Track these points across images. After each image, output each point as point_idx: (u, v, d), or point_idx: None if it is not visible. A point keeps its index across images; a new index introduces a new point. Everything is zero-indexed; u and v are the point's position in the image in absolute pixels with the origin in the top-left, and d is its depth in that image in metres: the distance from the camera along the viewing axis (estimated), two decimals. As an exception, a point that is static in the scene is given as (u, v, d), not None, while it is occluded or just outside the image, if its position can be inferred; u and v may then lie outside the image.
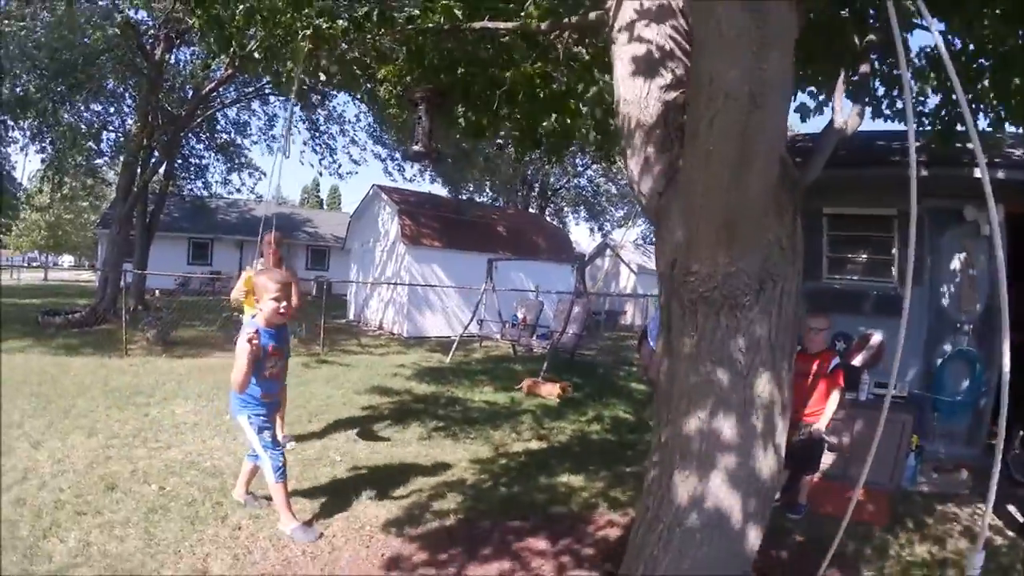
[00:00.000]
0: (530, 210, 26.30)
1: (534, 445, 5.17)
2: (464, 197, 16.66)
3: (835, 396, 3.66)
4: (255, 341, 2.85)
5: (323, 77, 4.55)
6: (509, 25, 3.18)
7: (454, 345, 10.54)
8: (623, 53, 1.88)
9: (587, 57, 3.41)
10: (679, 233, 1.64)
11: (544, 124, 4.37)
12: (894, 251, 5.16)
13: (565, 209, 31.42)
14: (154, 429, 4.72)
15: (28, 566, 2.64)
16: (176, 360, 7.97)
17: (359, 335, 13.03)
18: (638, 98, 1.80)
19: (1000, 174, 4.33)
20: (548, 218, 26.97)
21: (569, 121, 4.02)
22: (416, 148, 4.45)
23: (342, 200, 52.57)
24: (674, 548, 1.68)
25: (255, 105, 16.18)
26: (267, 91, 14.88)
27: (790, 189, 1.66)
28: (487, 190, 24.65)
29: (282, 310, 2.99)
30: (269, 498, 3.41)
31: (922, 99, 3.58)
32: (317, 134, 15.78)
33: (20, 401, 5.16)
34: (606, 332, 15.92)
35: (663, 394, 1.81)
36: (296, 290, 3.70)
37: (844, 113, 2.08)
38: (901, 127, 5.59)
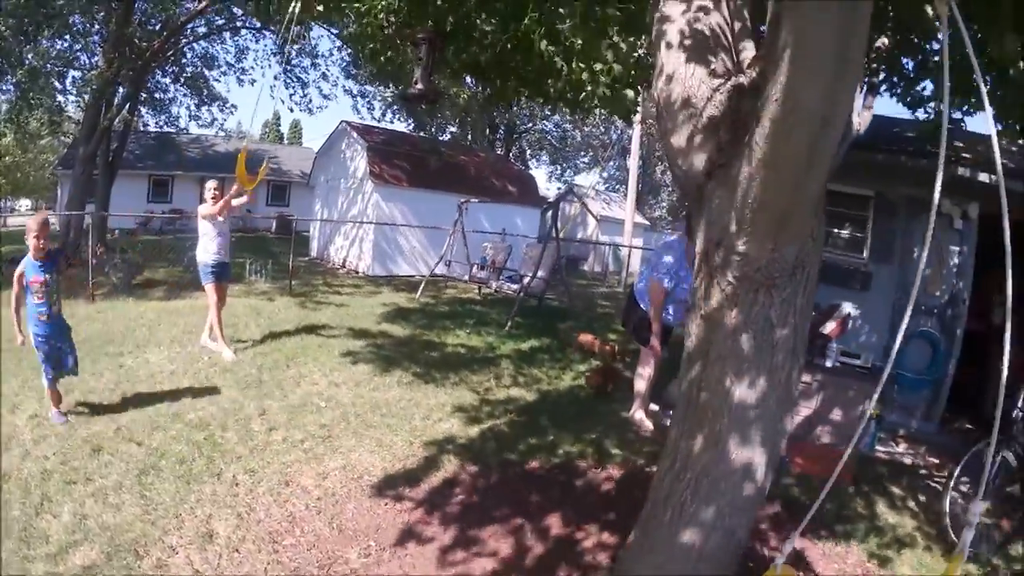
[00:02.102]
0: (496, 151, 25.78)
1: (515, 392, 5.23)
2: (429, 135, 16.16)
3: None
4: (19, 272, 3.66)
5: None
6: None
7: (422, 285, 10.50)
8: (671, 32, 1.90)
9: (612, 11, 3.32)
10: (727, 217, 1.78)
11: (553, 82, 4.25)
12: (868, 230, 5.57)
13: (527, 152, 30.95)
14: (131, 380, 4.57)
15: (27, 551, 2.43)
16: (144, 303, 7.72)
17: (324, 274, 12.77)
18: (686, 77, 1.87)
19: (981, 176, 4.61)
20: (512, 160, 26.56)
21: (585, 75, 3.90)
22: (415, 90, 4.29)
23: (303, 135, 50.20)
24: (702, 495, 1.93)
25: (225, 36, 15.22)
26: (239, 23, 14.34)
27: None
28: (452, 129, 24.09)
29: (41, 245, 3.66)
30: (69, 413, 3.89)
31: (920, 89, 3.70)
32: (289, 67, 15.05)
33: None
34: (573, 279, 15.86)
35: (695, 359, 2.00)
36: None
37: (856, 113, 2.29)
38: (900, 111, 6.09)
